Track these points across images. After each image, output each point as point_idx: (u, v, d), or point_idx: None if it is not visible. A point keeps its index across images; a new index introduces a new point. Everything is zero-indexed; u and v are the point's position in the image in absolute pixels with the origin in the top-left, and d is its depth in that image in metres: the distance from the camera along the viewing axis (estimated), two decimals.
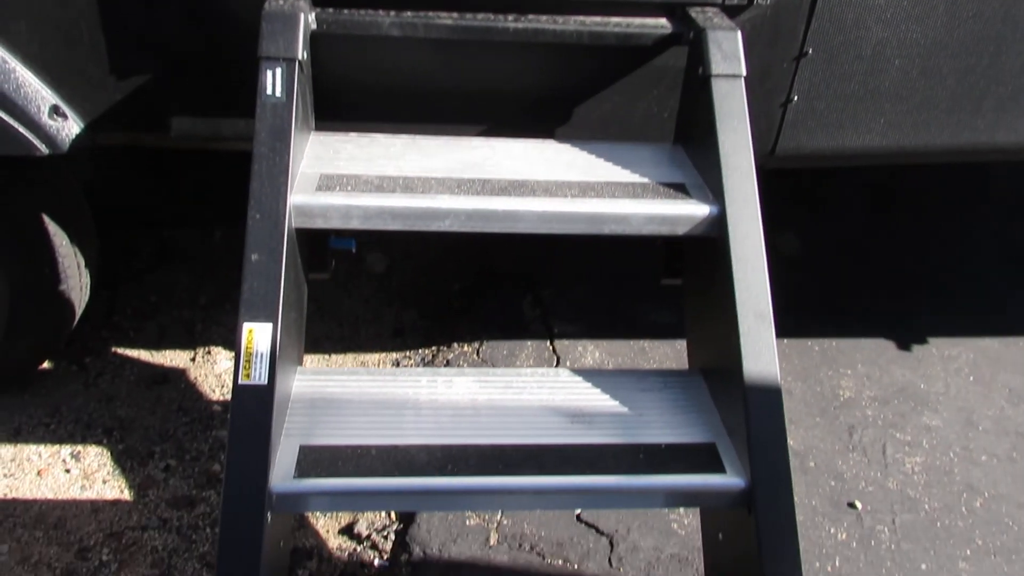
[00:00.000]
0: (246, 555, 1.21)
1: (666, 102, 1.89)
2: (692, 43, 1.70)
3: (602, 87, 1.85)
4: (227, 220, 3.15)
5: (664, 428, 1.46)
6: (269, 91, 1.48)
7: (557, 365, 2.68)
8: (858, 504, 2.25)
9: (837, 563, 2.09)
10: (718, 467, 1.38)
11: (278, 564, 1.38)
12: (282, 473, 1.30)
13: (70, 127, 1.79)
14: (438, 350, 2.71)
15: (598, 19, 1.72)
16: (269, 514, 1.26)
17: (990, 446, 2.47)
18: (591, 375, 1.59)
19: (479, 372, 1.57)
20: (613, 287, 3.01)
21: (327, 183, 1.51)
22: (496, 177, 1.58)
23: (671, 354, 2.74)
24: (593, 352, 2.72)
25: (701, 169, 1.67)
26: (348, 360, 2.67)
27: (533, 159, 1.68)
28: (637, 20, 1.74)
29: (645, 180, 1.63)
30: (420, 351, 2.72)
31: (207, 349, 2.63)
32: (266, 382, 1.29)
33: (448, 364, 2.66)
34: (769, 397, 1.38)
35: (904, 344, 2.87)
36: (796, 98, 1.96)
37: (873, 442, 2.46)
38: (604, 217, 1.52)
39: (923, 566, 2.10)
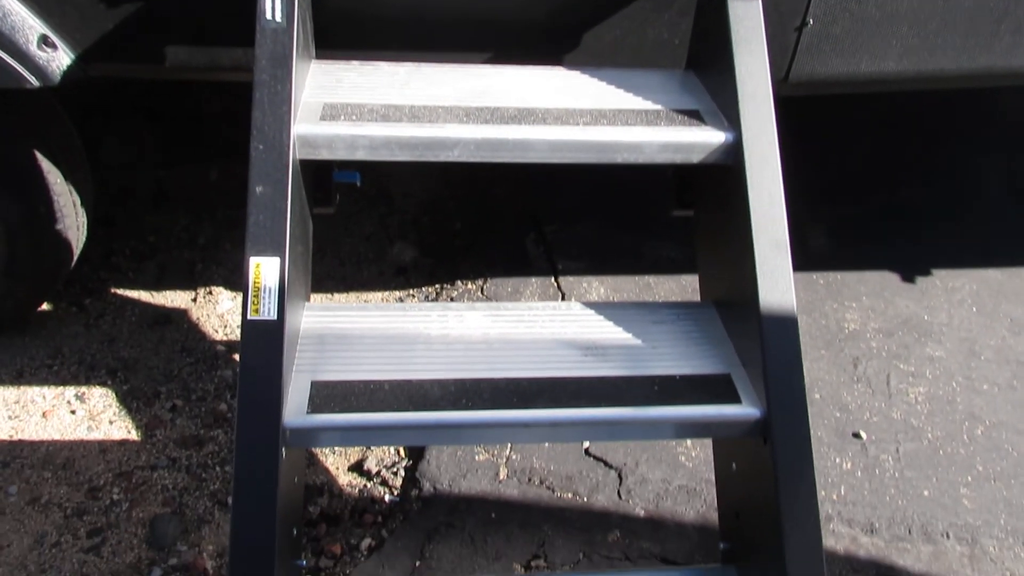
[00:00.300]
0: (262, 491, 1.20)
1: (677, 27, 1.82)
2: None
3: (612, 13, 1.79)
4: (222, 159, 3.09)
5: (678, 359, 1.45)
6: (268, 15, 1.42)
7: (562, 301, 2.66)
8: (863, 434, 2.27)
9: (842, 491, 2.11)
10: (733, 397, 1.37)
11: (293, 500, 1.37)
12: (295, 408, 1.28)
13: (60, 58, 1.72)
14: (442, 288, 2.69)
15: None
16: (283, 449, 1.25)
17: (992, 375, 2.48)
18: (603, 308, 1.56)
19: (490, 307, 1.55)
20: (617, 223, 2.98)
21: (331, 112, 1.46)
22: (505, 105, 1.53)
23: (676, 289, 2.73)
24: (598, 288, 2.70)
25: (715, 95, 1.62)
26: (351, 299, 2.65)
27: (543, 87, 1.63)
28: None
29: (658, 107, 1.58)
30: (423, 289, 2.70)
31: (208, 289, 2.60)
32: (275, 317, 1.26)
33: (452, 300, 2.64)
34: (785, 326, 1.36)
35: (908, 276, 2.86)
36: (811, 22, 1.89)
37: (877, 373, 2.46)
38: (617, 145, 1.48)
39: (925, 492, 2.12)
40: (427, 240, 2.89)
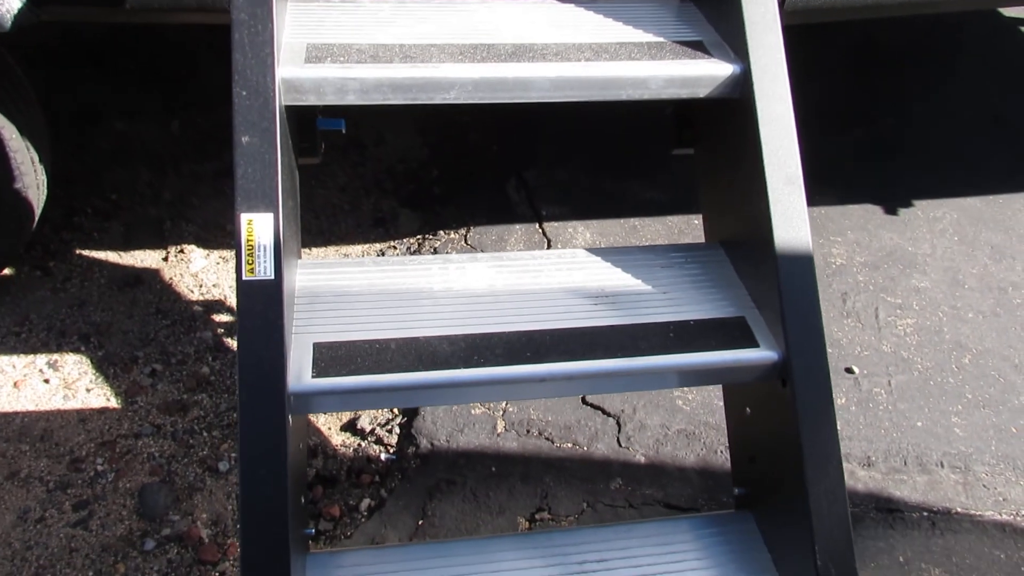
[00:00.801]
0: (271, 462, 1.14)
1: None
2: None
3: None
4: (182, 109, 2.94)
5: (690, 304, 1.40)
6: None
7: (548, 247, 2.60)
8: (855, 369, 2.27)
9: (839, 426, 2.11)
10: (750, 341, 1.33)
11: (300, 468, 1.31)
12: (299, 373, 1.21)
13: (11, 2, 1.57)
14: (424, 239, 2.61)
15: None
16: (290, 417, 1.18)
17: (976, 303, 2.49)
18: (609, 253, 1.51)
19: (493, 257, 1.48)
20: (597, 166, 2.91)
21: (316, 54, 1.35)
22: (501, 42, 1.44)
23: (663, 231, 2.68)
24: (583, 233, 2.65)
25: (718, 25, 1.54)
26: (330, 253, 2.56)
27: (535, 21, 1.54)
28: None
29: (660, 39, 1.51)
30: (405, 240, 2.61)
31: (179, 248, 2.48)
32: (273, 276, 1.18)
33: (435, 250, 2.56)
34: (802, 265, 1.32)
35: (890, 208, 2.85)
36: None
37: (866, 307, 2.46)
38: (622, 81, 1.40)
39: (919, 423, 2.14)
40: (404, 189, 2.79)
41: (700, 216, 2.74)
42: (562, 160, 2.92)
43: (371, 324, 1.30)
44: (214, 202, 2.65)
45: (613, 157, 2.96)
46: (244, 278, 1.18)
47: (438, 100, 1.37)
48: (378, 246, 2.60)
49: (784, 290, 1.30)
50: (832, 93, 3.31)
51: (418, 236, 2.62)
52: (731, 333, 1.34)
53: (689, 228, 2.69)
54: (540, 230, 2.65)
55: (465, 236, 2.60)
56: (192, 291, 2.37)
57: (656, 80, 1.41)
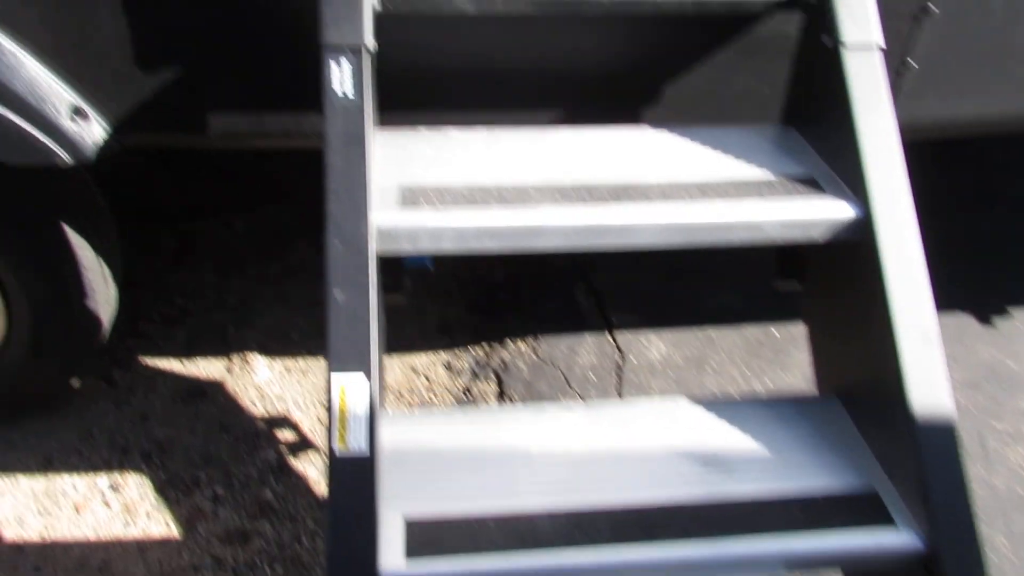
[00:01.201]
0: None
1: (766, 74, 1.65)
2: (812, 7, 1.47)
3: (692, 60, 1.62)
4: (247, 209, 2.92)
5: (813, 472, 1.27)
6: (337, 88, 1.24)
7: (621, 360, 2.48)
8: None
9: None
10: (886, 519, 1.19)
11: None
12: (390, 554, 1.10)
13: (94, 130, 1.55)
14: (491, 348, 2.51)
15: None
16: None
17: None
18: (713, 405, 1.39)
19: (586, 409, 1.37)
20: (667, 268, 2.80)
21: (410, 196, 1.28)
22: (601, 180, 1.36)
23: (740, 343, 2.55)
24: (658, 344, 2.52)
25: (829, 157, 1.44)
26: (395, 363, 2.47)
27: (634, 152, 1.46)
28: None
29: (769, 174, 1.41)
30: (471, 349, 2.52)
31: (243, 356, 2.42)
32: (367, 451, 1.08)
33: (504, 364, 2.46)
34: (946, 438, 1.18)
35: (986, 319, 2.68)
36: (914, 63, 1.72)
37: (969, 434, 2.28)
38: (734, 226, 1.31)
39: None
40: (469, 295, 2.71)
41: (778, 328, 2.63)
42: (631, 263, 2.82)
43: (466, 493, 1.19)
44: (278, 307, 2.60)
45: (683, 258, 2.84)
46: (337, 452, 1.08)
47: (538, 246, 1.28)
48: (444, 355, 2.51)
49: (927, 467, 1.16)
50: (920, 186, 3.18)
51: (485, 345, 2.52)
52: (864, 510, 1.20)
53: (769, 341, 2.55)
54: (612, 340, 2.53)
55: (535, 348, 2.50)
56: (255, 404, 2.29)
57: (771, 224, 1.31)
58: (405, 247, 1.26)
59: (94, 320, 1.97)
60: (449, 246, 1.26)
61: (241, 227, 2.88)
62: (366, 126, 1.24)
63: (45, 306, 1.88)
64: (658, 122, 1.58)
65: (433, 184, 1.33)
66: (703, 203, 1.31)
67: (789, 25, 1.56)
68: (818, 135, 1.50)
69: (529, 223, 1.27)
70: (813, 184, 1.39)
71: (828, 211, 1.33)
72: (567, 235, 1.28)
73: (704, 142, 1.51)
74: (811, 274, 1.51)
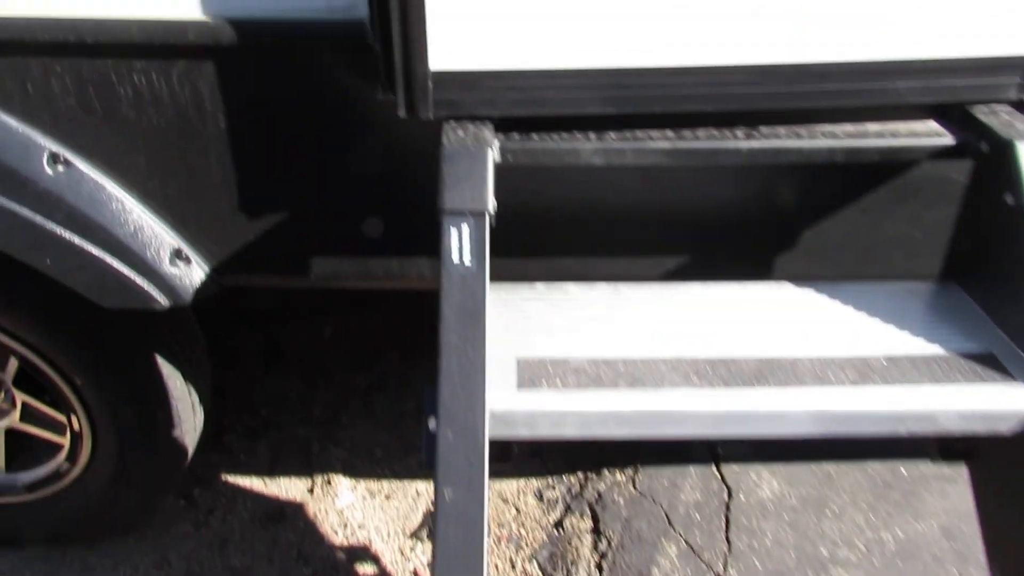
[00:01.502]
0: None
1: (921, 221, 1.48)
2: (987, 158, 1.31)
3: (836, 207, 1.47)
4: (337, 313, 2.87)
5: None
6: (455, 256, 1.14)
7: (729, 497, 2.28)
8: None
9: None
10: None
11: None
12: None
13: (194, 273, 1.49)
14: (586, 477, 2.35)
15: (850, 128, 1.34)
16: None
17: None
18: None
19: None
20: None
21: (529, 374, 1.16)
22: (740, 353, 1.21)
23: (863, 483, 2.32)
24: (770, 481, 2.32)
25: (1010, 327, 1.26)
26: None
27: (776, 316, 1.31)
28: (902, 127, 1.35)
29: (936, 348, 1.24)
30: (565, 478, 2.36)
31: (326, 478, 2.32)
32: None
33: (600, 497, 2.29)
34: None
35: None
36: None
37: None
38: (903, 416, 1.14)
39: None
40: None
41: (907, 466, 2.40)
42: None
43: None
44: (364, 423, 2.51)
45: None
46: None
47: (672, 434, 1.14)
48: (535, 483, 2.35)
49: None
50: None
51: (579, 475, 2.36)
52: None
53: (897, 481, 2.32)
54: (718, 474, 2.34)
55: (633, 479, 2.32)
56: (336, 532, 2.18)
57: (947, 416, 1.14)
58: (522, 433, 1.13)
59: (179, 449, 1.90)
60: (571, 432, 1.13)
61: (329, 333, 2.82)
62: (485, 297, 1.13)
63: (131, 436, 1.82)
64: (797, 276, 1.43)
65: (553, 356, 1.20)
66: (865, 389, 1.15)
67: (952, 170, 1.40)
68: (992, 298, 1.32)
69: (662, 408, 1.13)
70: (993, 363, 1.21)
71: (1018, 401, 1.15)
72: (705, 423, 1.13)
73: (856, 303, 1.35)
74: (984, 455, 1.32)
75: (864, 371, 1.18)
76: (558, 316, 1.30)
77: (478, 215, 1.16)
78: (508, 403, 1.12)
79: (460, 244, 1.15)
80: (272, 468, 2.35)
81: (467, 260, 1.14)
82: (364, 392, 2.62)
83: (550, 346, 1.23)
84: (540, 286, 1.39)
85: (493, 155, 1.23)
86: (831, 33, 1.26)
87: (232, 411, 2.50)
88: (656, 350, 1.22)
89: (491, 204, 1.18)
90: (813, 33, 1.26)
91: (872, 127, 1.34)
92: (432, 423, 1.15)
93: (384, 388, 2.63)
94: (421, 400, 2.08)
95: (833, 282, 1.39)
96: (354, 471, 2.36)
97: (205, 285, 1.50)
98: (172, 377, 1.79)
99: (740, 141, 1.31)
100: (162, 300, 1.47)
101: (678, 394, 1.13)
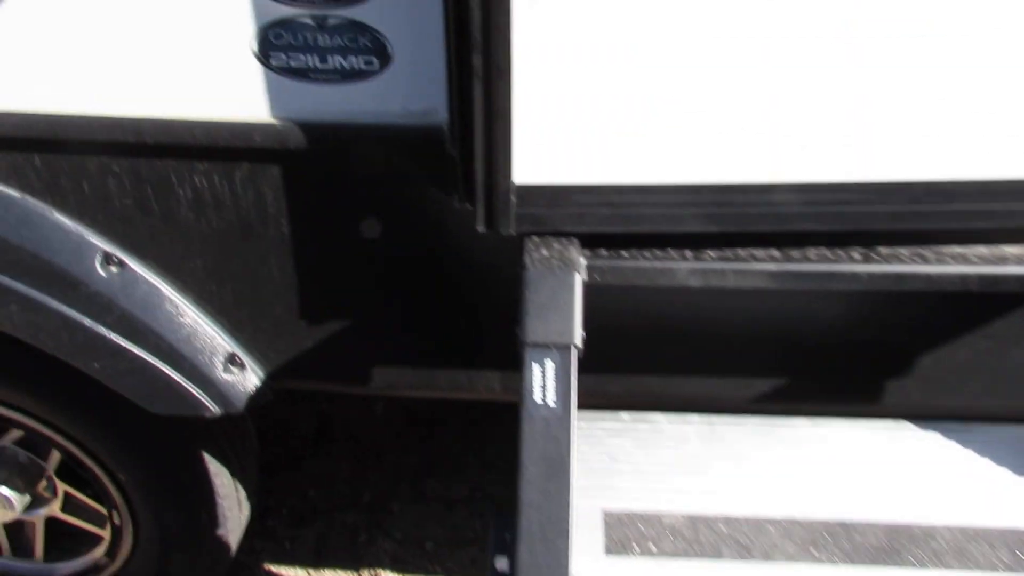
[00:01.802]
0: None
1: None
2: None
3: (963, 334, 1.31)
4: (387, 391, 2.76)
5: None
6: (538, 396, 1.01)
7: None
8: None
9: None
10: None
11: None
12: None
13: (247, 379, 1.39)
14: None
15: (984, 252, 1.19)
16: None
17: None
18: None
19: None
20: None
21: (617, 535, 1.02)
22: (862, 516, 1.06)
23: None
24: None
25: None
26: None
27: (901, 467, 1.15)
28: None
29: None
30: None
31: (374, 572, 2.18)
32: None
33: None
34: None
35: None
36: None
37: None
38: None
39: None
40: None
41: None
42: None
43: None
44: (414, 508, 2.37)
45: None
46: None
47: None
48: None
49: None
50: None
51: None
52: None
53: None
54: None
55: None
56: None
57: None
58: None
59: (223, 547, 1.79)
60: None
61: (381, 409, 2.71)
62: (571, 444, 1.00)
63: (174, 534, 1.72)
64: (918, 414, 1.27)
65: (643, 510, 1.06)
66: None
67: None
68: None
69: None
70: None
71: None
72: None
73: (995, 454, 1.18)
74: None
75: (1018, 548, 1.01)
76: (647, 457, 1.16)
77: (564, 349, 1.03)
78: (595, 572, 0.98)
79: (544, 382, 1.02)
80: (318, 558, 2.23)
81: (551, 401, 1.01)
82: (415, 474, 2.49)
83: (640, 496, 1.09)
84: (625, 416, 1.25)
85: (581, 277, 1.11)
86: (960, 150, 1.12)
87: (279, 490, 2.40)
88: (763, 507, 1.07)
89: (579, 337, 1.05)
90: (939, 150, 1.12)
91: (1011, 250, 1.19)
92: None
93: (436, 471, 2.50)
94: (485, 525, 1.93)
95: (964, 423, 1.22)
96: (403, 566, 2.22)
97: (259, 391, 1.40)
98: (219, 475, 1.69)
99: (857, 264, 1.17)
100: (213, 407, 1.37)
101: (794, 572, 0.98)
